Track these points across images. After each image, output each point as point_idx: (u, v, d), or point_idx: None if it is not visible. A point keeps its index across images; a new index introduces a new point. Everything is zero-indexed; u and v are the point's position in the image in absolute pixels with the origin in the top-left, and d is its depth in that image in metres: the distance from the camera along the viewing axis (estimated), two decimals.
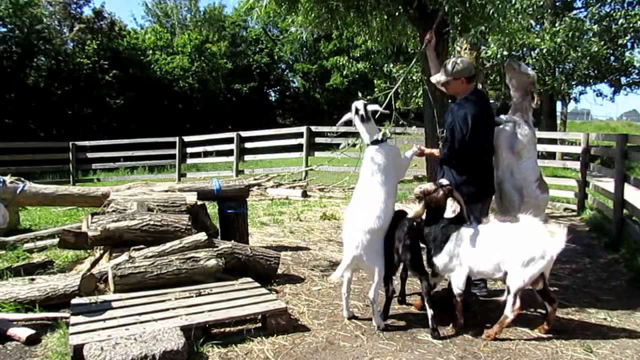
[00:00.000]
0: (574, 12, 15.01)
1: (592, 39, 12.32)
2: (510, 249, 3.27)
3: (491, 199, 4.11)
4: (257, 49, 29.71)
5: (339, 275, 3.47)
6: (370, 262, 3.51)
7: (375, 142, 3.63)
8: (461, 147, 3.65)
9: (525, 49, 13.76)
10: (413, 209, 3.58)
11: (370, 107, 3.68)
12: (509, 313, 3.24)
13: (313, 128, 11.46)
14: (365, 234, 3.48)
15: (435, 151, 3.99)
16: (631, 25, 12.38)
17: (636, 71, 14.26)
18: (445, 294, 4.04)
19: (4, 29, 17.71)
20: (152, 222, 4.27)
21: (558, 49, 12.30)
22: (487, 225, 3.42)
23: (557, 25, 12.52)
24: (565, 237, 3.14)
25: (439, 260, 3.46)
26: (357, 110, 3.68)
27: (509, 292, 3.26)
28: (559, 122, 19.27)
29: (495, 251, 3.33)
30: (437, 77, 3.86)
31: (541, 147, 13.68)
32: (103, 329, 3.03)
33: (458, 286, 3.44)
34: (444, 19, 4.45)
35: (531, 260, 3.19)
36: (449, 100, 4.37)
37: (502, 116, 4.24)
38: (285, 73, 31.52)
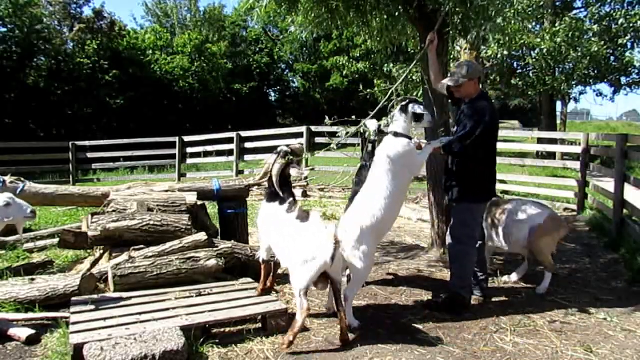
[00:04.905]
0: (574, 12, 15.01)
1: (592, 39, 12.32)
2: (292, 245, 3.23)
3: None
4: (257, 49, 29.68)
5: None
6: (350, 258, 3.51)
7: (395, 134, 3.66)
8: (481, 139, 3.64)
9: (525, 49, 13.77)
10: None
11: (411, 107, 3.71)
12: (298, 317, 3.07)
13: (313, 128, 11.46)
14: (353, 228, 3.51)
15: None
16: (631, 25, 12.38)
17: (636, 71, 14.25)
18: (446, 295, 4.05)
19: (4, 29, 17.68)
20: (152, 222, 4.27)
21: (558, 49, 12.31)
22: (291, 212, 3.36)
23: (557, 25, 12.53)
24: (332, 239, 2.99)
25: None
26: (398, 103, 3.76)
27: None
28: (559, 122, 19.25)
29: (281, 240, 3.33)
30: (452, 81, 3.84)
31: (541, 147, 13.75)
32: (103, 328, 3.03)
33: (261, 254, 3.65)
34: (445, 20, 4.45)
35: (306, 261, 3.09)
36: (449, 100, 4.37)
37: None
38: (285, 73, 31.51)
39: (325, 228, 3.14)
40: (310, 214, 3.33)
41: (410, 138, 3.69)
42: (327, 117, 3.86)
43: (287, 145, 3.57)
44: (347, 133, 3.84)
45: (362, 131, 3.97)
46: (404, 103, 3.74)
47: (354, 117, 3.92)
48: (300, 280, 3.11)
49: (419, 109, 3.72)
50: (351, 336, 3.34)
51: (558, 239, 4.37)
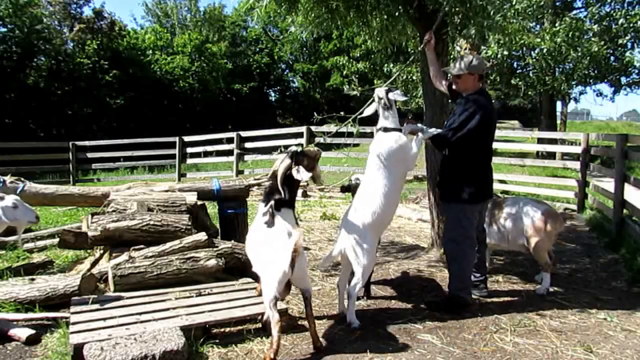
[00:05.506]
0: (574, 12, 14.99)
1: (592, 39, 12.31)
2: (260, 252, 3.20)
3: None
4: (257, 49, 29.69)
5: (325, 265, 3.46)
6: (353, 256, 3.51)
7: (385, 130, 3.63)
8: (473, 134, 3.60)
9: (525, 49, 13.76)
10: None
11: (392, 95, 3.67)
12: (274, 331, 2.88)
13: (313, 128, 11.45)
14: (354, 226, 3.50)
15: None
16: (631, 25, 12.37)
17: (636, 71, 14.22)
18: (445, 295, 4.05)
19: (4, 29, 17.68)
20: (152, 222, 4.26)
21: (558, 49, 12.30)
22: (265, 216, 3.30)
23: (557, 25, 12.51)
24: (290, 251, 2.91)
25: None
26: (379, 99, 3.69)
27: None
28: (559, 122, 19.23)
29: (256, 247, 3.29)
30: (452, 69, 3.81)
31: (541, 147, 13.74)
32: (103, 328, 3.03)
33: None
34: (444, 19, 4.45)
35: (267, 270, 3.05)
36: (449, 101, 4.37)
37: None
38: (285, 73, 31.50)
39: (288, 237, 3.07)
40: (275, 220, 3.25)
41: (400, 130, 3.65)
42: (314, 114, 3.89)
43: (300, 146, 3.51)
44: (336, 132, 3.87)
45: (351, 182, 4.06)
46: (384, 100, 3.65)
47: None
48: (267, 291, 3.02)
49: (399, 95, 3.67)
50: (351, 336, 3.34)
51: (555, 234, 4.38)
